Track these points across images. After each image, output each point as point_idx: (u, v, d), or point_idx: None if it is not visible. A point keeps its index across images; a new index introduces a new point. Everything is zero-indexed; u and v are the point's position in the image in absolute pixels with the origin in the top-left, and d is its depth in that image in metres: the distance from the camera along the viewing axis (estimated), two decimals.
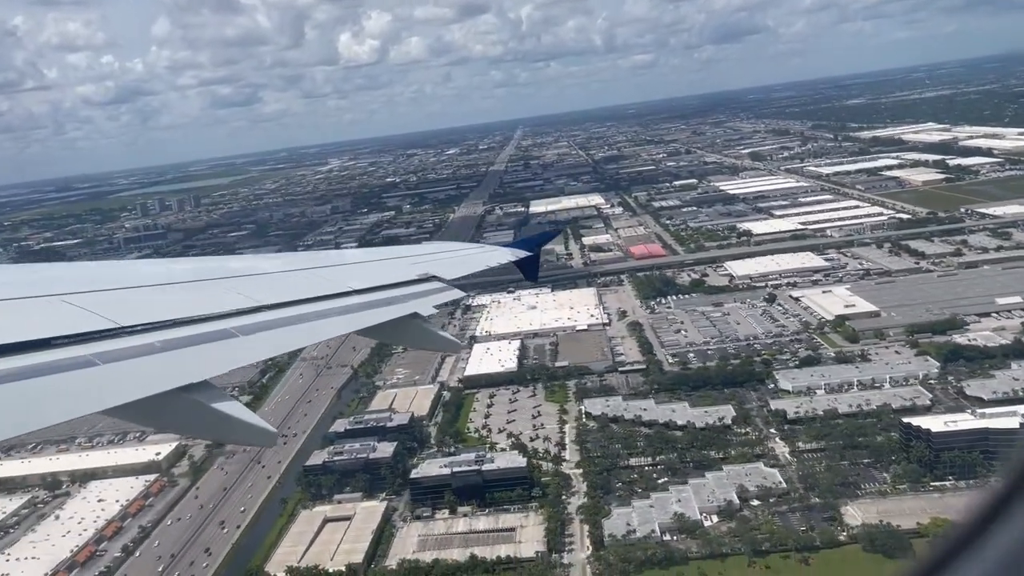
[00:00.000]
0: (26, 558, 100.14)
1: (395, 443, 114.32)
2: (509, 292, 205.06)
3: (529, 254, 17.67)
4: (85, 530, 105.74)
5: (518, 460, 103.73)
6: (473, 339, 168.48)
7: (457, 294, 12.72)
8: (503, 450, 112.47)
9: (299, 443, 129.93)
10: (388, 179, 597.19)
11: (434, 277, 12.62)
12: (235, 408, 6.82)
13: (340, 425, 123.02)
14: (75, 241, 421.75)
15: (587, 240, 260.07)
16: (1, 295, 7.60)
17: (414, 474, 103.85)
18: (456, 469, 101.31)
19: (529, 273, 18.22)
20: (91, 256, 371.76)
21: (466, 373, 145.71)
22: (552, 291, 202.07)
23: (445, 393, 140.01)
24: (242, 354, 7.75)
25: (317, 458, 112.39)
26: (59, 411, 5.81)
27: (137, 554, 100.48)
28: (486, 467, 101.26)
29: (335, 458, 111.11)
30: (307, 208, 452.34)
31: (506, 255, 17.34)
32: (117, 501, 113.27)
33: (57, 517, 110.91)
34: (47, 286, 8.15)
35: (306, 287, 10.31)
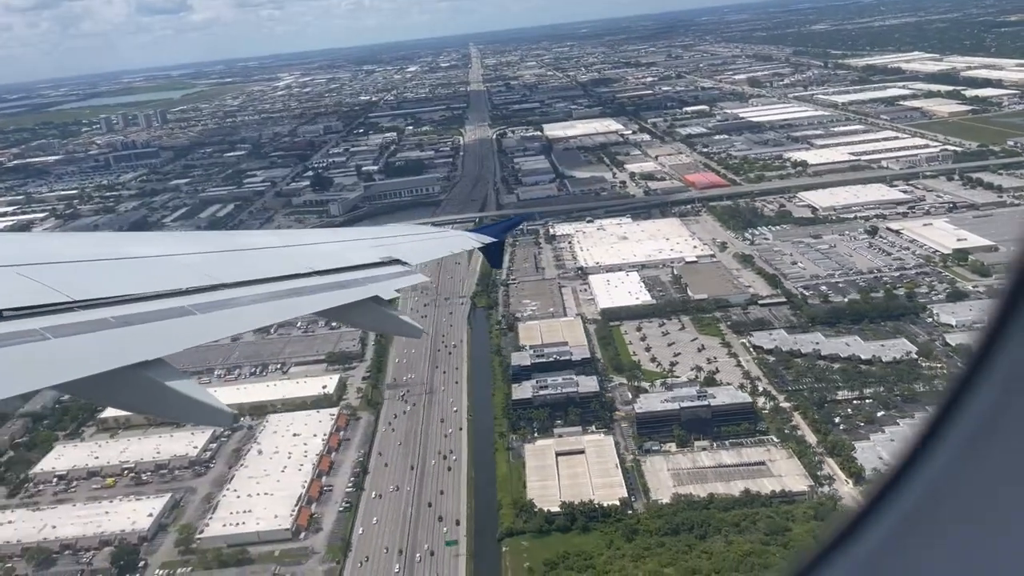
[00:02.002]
0: (258, 494, 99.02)
1: (594, 376, 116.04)
2: (588, 221, 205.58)
3: (495, 240, 17.67)
4: (301, 465, 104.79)
5: (741, 395, 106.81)
6: (582, 270, 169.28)
7: (419, 278, 13.00)
8: (686, 383, 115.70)
9: (462, 374, 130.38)
10: (362, 97, 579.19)
11: (397, 261, 12.76)
12: (191, 387, 6.74)
13: (521, 359, 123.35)
14: (54, 158, 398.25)
15: (632, 168, 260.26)
16: None
17: (638, 408, 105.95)
18: (684, 404, 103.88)
19: (494, 260, 18.43)
20: (80, 175, 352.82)
21: (602, 306, 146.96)
22: (633, 220, 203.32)
23: (589, 326, 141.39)
24: (198, 332, 7.72)
25: (522, 392, 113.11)
26: (9, 384, 5.69)
27: (373, 493, 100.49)
28: (714, 402, 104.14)
29: (540, 392, 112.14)
30: (296, 127, 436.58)
31: (471, 241, 17.19)
32: (315, 435, 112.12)
33: (260, 452, 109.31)
34: (1, 255, 8.04)
35: (267, 266, 10.44)
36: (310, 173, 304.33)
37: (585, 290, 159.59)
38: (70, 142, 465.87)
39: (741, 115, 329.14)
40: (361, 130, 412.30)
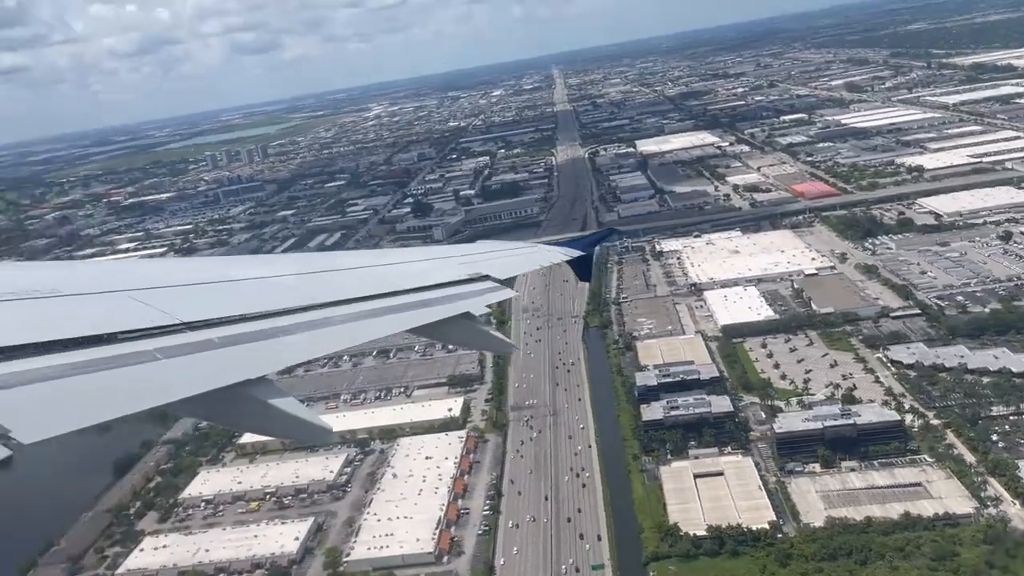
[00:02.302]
0: (397, 517, 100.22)
1: (725, 396, 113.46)
2: (696, 236, 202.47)
3: (582, 254, 17.26)
4: (436, 489, 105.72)
5: (888, 413, 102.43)
6: (695, 287, 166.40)
7: (508, 293, 12.61)
8: (825, 400, 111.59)
9: (584, 395, 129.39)
10: (451, 123, 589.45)
11: (486, 277, 12.50)
12: (292, 405, 6.88)
13: (647, 379, 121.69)
14: (167, 195, 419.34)
15: (734, 180, 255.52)
16: (72, 290, 7.79)
17: (777, 427, 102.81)
18: (827, 423, 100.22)
19: (583, 274, 17.71)
20: (192, 210, 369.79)
21: (722, 323, 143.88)
22: (743, 233, 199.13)
23: (711, 344, 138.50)
24: (296, 352, 7.90)
25: (652, 413, 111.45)
26: (123, 404, 5.86)
27: (510, 517, 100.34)
28: (859, 420, 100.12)
29: (671, 412, 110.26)
30: (391, 155, 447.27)
31: (559, 255, 16.78)
32: (446, 458, 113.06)
33: (395, 476, 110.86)
34: (114, 282, 8.43)
35: (358, 286, 10.29)
36: (409, 200, 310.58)
37: (701, 307, 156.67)
38: (179, 179, 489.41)
39: (844, 121, 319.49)
40: (454, 155, 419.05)
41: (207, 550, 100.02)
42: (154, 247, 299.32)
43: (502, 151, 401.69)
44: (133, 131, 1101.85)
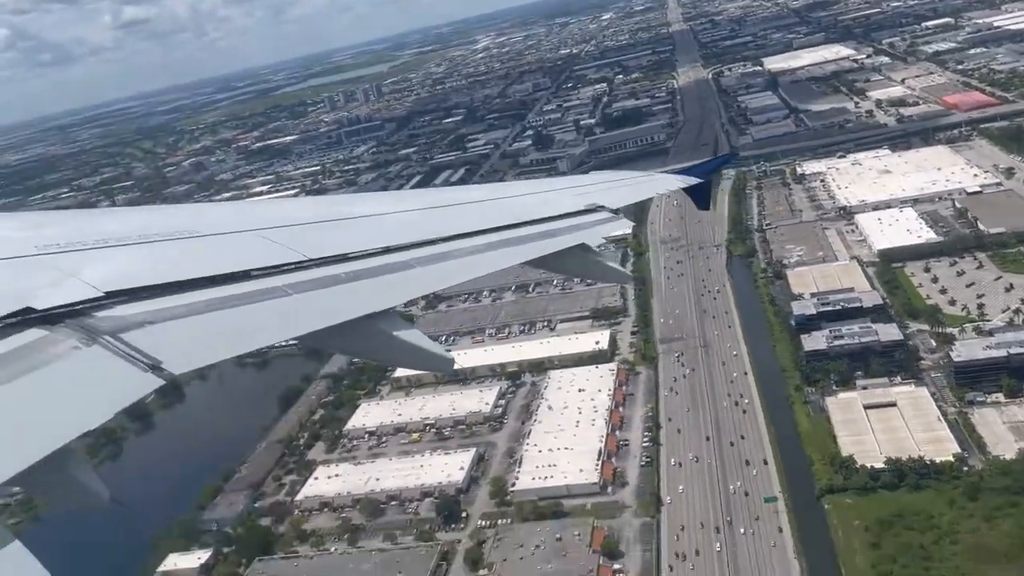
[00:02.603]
0: (558, 448, 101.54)
1: (892, 323, 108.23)
2: (840, 156, 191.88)
3: (700, 181, 16.51)
4: (593, 421, 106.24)
5: None
6: (844, 210, 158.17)
7: (623, 224, 12.89)
8: (1006, 327, 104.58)
9: (735, 326, 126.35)
10: (563, 50, 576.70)
11: (602, 207, 12.39)
12: (416, 336, 7.15)
13: (804, 308, 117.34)
14: (291, 138, 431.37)
15: (876, 95, 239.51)
16: (209, 231, 8.12)
17: (955, 356, 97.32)
18: (1012, 350, 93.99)
19: (701, 201, 16.92)
20: (317, 152, 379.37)
21: (878, 247, 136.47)
22: (892, 151, 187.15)
23: (868, 270, 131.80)
24: (419, 285, 8.13)
25: (814, 343, 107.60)
26: (258, 338, 6.19)
27: (670, 444, 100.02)
28: None
29: (835, 342, 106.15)
30: (504, 88, 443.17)
31: (675, 182, 16.24)
32: (599, 391, 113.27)
33: (550, 408, 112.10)
34: (246, 222, 8.85)
35: (476, 219, 10.36)
36: (529, 132, 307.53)
37: (853, 231, 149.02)
38: (301, 122, 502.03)
39: (996, 23, 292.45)
40: (569, 84, 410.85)
41: (377, 479, 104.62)
42: (285, 189, 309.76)
43: (620, 77, 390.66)
44: (252, 76, 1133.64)
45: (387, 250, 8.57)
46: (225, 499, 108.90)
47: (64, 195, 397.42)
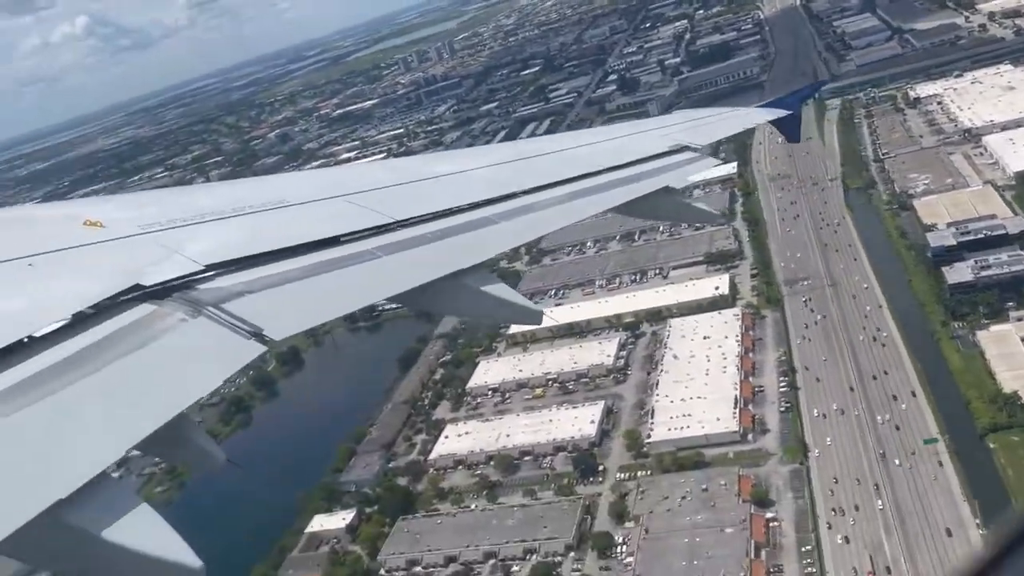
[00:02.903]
0: (690, 398, 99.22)
1: None
2: (957, 76, 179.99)
3: (789, 113, 16.01)
4: (724, 368, 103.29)
5: None
6: (968, 132, 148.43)
7: (709, 163, 12.67)
8: None
9: (861, 257, 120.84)
10: None
11: (686, 147, 12.29)
12: (504, 291, 7.29)
13: (942, 238, 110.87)
14: (371, 103, 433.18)
15: (986, 7, 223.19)
16: (298, 200, 8.47)
17: None
18: None
19: (791, 134, 16.77)
20: (398, 114, 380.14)
21: (1013, 169, 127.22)
22: (1015, 67, 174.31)
23: (1004, 194, 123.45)
24: (503, 239, 8.28)
25: (958, 275, 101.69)
26: (351, 301, 6.51)
27: (808, 387, 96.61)
28: None
29: (983, 273, 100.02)
30: (579, 34, 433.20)
31: (763, 115, 16.04)
32: (725, 337, 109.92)
33: (675, 357, 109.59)
34: (333, 188, 8.97)
35: (558, 169, 10.42)
36: (612, 77, 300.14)
37: (981, 154, 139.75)
38: (377, 86, 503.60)
39: None
40: (647, 24, 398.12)
41: (507, 435, 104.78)
42: (371, 153, 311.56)
43: (700, 12, 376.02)
44: (322, 44, 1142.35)
45: (471, 207, 8.69)
46: (360, 461, 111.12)
47: (160, 175, 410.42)
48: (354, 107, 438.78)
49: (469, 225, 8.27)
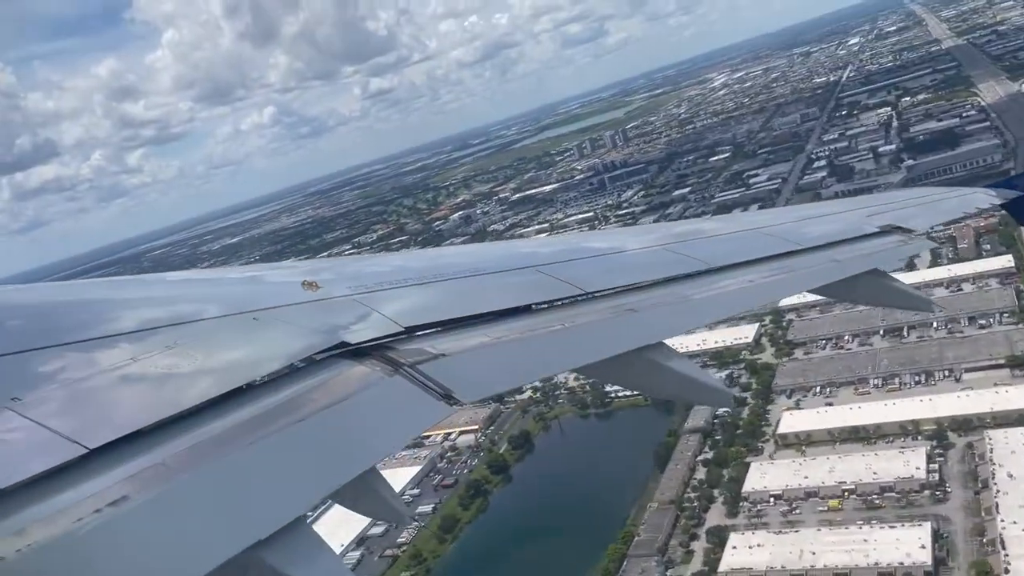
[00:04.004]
0: None
1: None
2: None
3: (1021, 194, 13.88)
4: None
5: None
6: None
7: (924, 244, 11.55)
8: None
9: None
10: (817, 79, 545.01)
11: (898, 228, 11.37)
12: (690, 368, 7.39)
13: None
14: (550, 187, 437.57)
15: None
16: (490, 268, 8.72)
17: None
18: None
19: (1021, 216, 14.07)
20: (580, 199, 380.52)
21: None
22: None
23: None
24: (692, 318, 8.35)
25: None
26: (539, 369, 7.14)
27: None
28: None
29: None
30: (766, 121, 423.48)
31: (989, 197, 13.91)
32: None
33: (1010, 475, 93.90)
34: (524, 259, 9.41)
35: (752, 247, 10.20)
36: (819, 163, 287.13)
37: None
38: (552, 171, 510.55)
39: None
40: (842, 111, 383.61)
41: (812, 552, 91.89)
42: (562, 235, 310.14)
43: (906, 99, 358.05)
44: (484, 133, 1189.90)
45: (664, 281, 8.62)
46: (633, 565, 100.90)
47: (348, 252, 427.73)
48: (533, 191, 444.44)
49: (658, 299, 8.20)
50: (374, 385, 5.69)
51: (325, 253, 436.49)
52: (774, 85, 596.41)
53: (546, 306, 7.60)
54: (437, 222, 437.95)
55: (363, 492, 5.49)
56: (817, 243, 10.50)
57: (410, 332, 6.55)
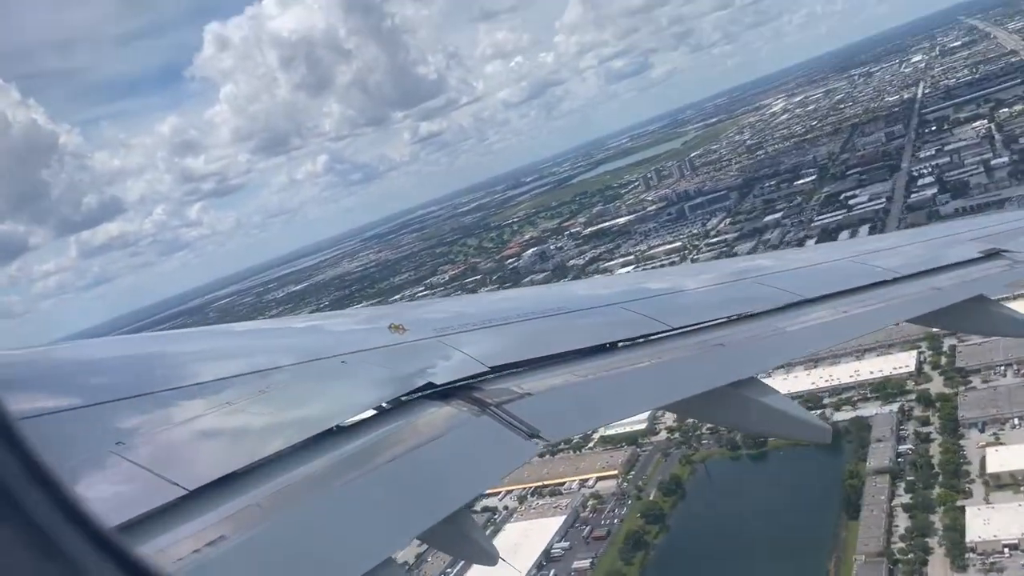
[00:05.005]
0: None
1: None
2: None
3: None
4: None
5: None
6: None
7: None
8: None
9: None
10: (888, 98, 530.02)
11: (1003, 252, 10.79)
12: (785, 403, 7.22)
13: None
14: (624, 219, 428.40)
15: None
16: (574, 306, 8.76)
17: None
18: None
19: None
20: (659, 230, 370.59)
21: None
22: None
23: None
24: (785, 351, 8.18)
25: None
26: (627, 407, 6.96)
27: None
28: None
29: None
30: (845, 142, 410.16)
31: None
32: None
33: None
34: (608, 296, 9.40)
35: (845, 276, 10.07)
36: (927, 180, 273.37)
37: None
38: (620, 204, 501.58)
39: None
40: (931, 127, 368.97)
41: None
42: (650, 267, 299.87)
43: (1002, 110, 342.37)
44: (535, 170, 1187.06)
45: (754, 315, 8.44)
46: None
47: (421, 294, 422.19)
48: (605, 224, 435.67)
49: (750, 332, 7.98)
50: (461, 425, 5.72)
51: (397, 296, 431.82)
52: (842, 106, 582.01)
53: (631, 343, 7.48)
54: (510, 260, 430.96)
55: (453, 533, 5.47)
56: (916, 270, 10.22)
57: (496, 372, 6.56)
